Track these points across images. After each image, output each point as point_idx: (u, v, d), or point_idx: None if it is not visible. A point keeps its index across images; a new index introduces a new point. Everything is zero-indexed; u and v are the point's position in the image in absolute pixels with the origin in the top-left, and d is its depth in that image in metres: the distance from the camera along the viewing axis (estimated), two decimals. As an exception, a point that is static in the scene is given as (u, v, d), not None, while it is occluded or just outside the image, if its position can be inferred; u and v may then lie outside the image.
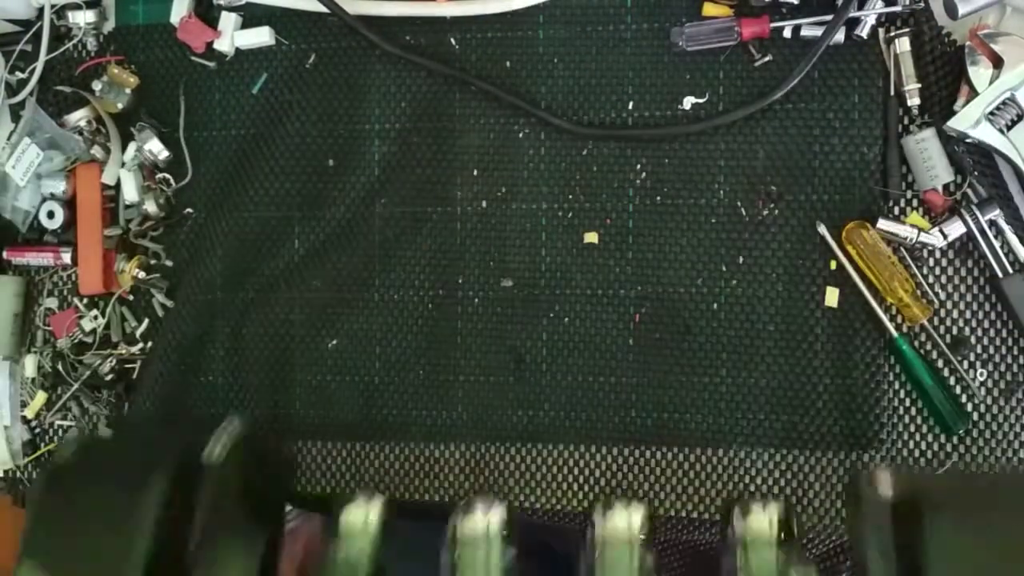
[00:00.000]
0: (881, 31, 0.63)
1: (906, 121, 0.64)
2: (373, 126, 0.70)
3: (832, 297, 0.65)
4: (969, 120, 0.60)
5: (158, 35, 0.73)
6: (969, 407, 0.64)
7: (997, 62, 0.59)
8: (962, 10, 0.59)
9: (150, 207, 0.73)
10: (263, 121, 0.72)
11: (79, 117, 0.73)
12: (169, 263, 0.74)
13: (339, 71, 0.70)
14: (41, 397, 0.75)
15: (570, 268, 0.68)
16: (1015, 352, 0.64)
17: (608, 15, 0.66)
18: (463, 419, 0.69)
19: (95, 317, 0.75)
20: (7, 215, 0.75)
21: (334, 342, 0.71)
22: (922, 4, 0.61)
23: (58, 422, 0.76)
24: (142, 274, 0.73)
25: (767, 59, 0.64)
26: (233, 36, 0.71)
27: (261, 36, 0.70)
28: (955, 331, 0.64)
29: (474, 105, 0.69)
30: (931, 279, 0.64)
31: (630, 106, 0.67)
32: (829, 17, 0.61)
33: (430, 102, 0.69)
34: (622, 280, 0.67)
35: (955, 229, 0.62)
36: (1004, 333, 0.64)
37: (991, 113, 0.60)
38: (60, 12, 0.73)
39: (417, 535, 0.54)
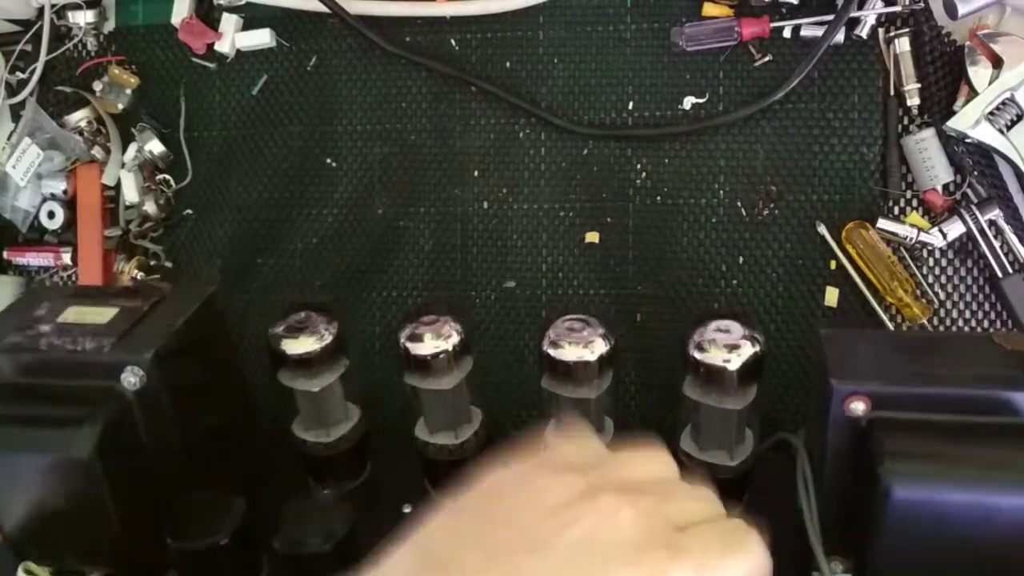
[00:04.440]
0: (881, 31, 0.63)
1: (906, 121, 0.64)
2: (373, 126, 0.70)
3: (832, 297, 0.64)
4: (969, 120, 0.60)
5: (158, 35, 0.73)
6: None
7: (997, 62, 0.59)
8: (962, 10, 0.59)
9: (150, 208, 0.73)
10: (263, 122, 0.72)
11: (79, 117, 0.73)
12: (169, 264, 0.74)
13: (339, 71, 0.70)
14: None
15: (571, 268, 0.68)
16: (1015, 352, 0.64)
17: (608, 15, 0.66)
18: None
19: (95, 317, 0.75)
20: (7, 215, 0.75)
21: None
22: (922, 4, 0.61)
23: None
24: (141, 275, 0.73)
25: (767, 59, 0.64)
26: (234, 37, 0.71)
27: (262, 38, 0.70)
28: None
29: (474, 105, 0.69)
30: (931, 279, 0.64)
31: (630, 106, 0.67)
32: (829, 17, 0.61)
33: (430, 102, 0.69)
34: (622, 280, 0.67)
35: (955, 229, 0.62)
36: (1004, 333, 0.64)
37: (991, 113, 0.60)
38: (60, 12, 0.73)
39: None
